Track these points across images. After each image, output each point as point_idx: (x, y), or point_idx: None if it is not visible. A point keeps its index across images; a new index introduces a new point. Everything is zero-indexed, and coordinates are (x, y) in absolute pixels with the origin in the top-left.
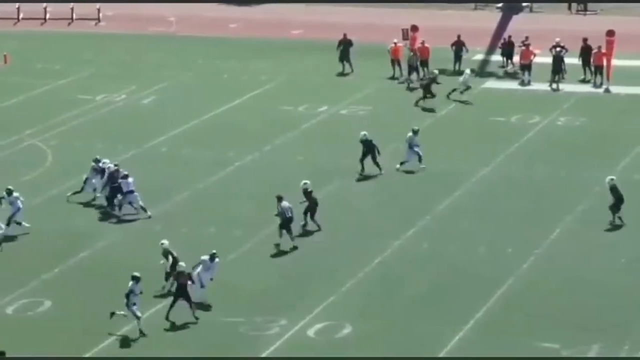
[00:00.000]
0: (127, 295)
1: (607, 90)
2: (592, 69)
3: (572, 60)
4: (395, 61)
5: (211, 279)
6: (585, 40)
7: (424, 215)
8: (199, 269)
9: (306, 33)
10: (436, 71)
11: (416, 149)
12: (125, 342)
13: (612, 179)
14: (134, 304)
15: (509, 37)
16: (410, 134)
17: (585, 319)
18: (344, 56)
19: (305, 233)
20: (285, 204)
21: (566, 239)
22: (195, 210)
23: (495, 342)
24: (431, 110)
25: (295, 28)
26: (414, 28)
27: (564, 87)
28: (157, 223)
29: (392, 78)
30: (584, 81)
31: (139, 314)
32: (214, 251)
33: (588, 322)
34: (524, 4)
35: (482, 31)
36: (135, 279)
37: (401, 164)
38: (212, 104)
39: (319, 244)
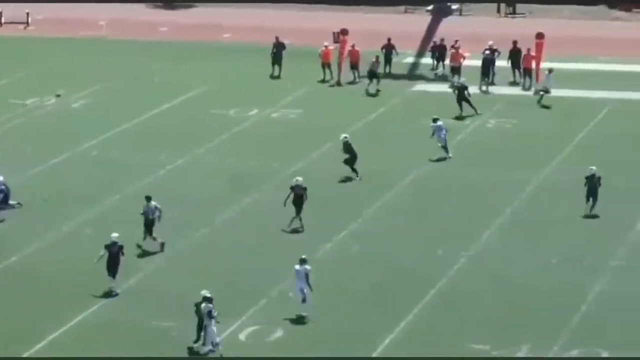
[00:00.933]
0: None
1: (536, 93)
2: (522, 71)
3: (501, 63)
4: (325, 64)
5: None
6: (514, 42)
7: (356, 218)
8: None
9: (237, 36)
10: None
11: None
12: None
13: (591, 169)
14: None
15: (441, 39)
16: (432, 123)
17: (515, 319)
18: (277, 59)
19: (241, 238)
20: (152, 204)
21: (496, 240)
22: (125, 213)
23: (426, 343)
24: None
25: (226, 31)
26: (344, 31)
27: (494, 89)
28: (88, 226)
29: (323, 81)
30: (513, 83)
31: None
32: (304, 256)
33: (518, 322)
34: (454, 7)
35: (413, 34)
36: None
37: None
38: (142, 108)
39: (251, 246)
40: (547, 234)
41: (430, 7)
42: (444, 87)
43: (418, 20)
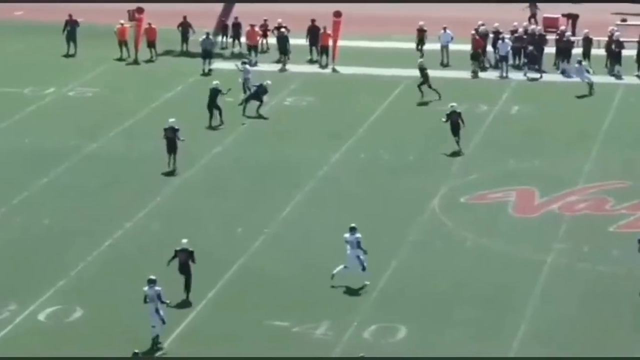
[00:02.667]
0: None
1: (334, 70)
2: (319, 49)
3: (299, 42)
4: (122, 42)
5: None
6: (313, 20)
7: (155, 197)
8: (348, 250)
9: (30, 14)
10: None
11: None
12: None
13: (452, 105)
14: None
15: (236, 18)
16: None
17: (314, 297)
18: (70, 37)
19: (37, 218)
20: None
21: (296, 217)
22: None
23: (227, 321)
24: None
25: (18, 9)
26: (140, 10)
27: (291, 67)
28: None
29: (120, 59)
30: (311, 61)
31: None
32: (353, 225)
33: (317, 300)
34: None
35: (210, 13)
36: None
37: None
38: None
39: (48, 227)
40: (345, 210)
41: None
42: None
43: None
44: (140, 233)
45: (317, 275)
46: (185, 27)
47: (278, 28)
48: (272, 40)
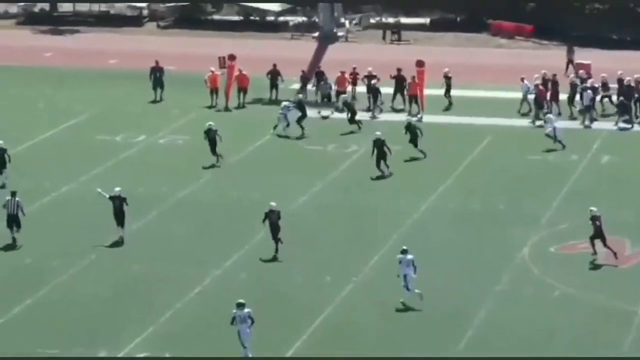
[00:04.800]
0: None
1: (420, 120)
2: (406, 98)
3: (388, 90)
4: (213, 90)
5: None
6: (399, 70)
7: (242, 246)
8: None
9: (123, 62)
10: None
11: None
12: None
13: (591, 210)
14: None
15: (318, 67)
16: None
17: (401, 348)
18: (157, 83)
19: (127, 264)
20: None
21: (384, 267)
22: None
23: None
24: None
25: (112, 57)
26: (232, 57)
27: (381, 116)
28: None
29: (210, 107)
30: (394, 109)
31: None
32: (405, 247)
33: (403, 350)
34: (340, 34)
35: (299, 60)
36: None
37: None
38: (27, 134)
39: (138, 273)
40: (434, 259)
41: (316, 34)
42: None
43: (304, 47)
44: (229, 281)
45: (404, 325)
46: (274, 75)
47: (368, 77)
48: (360, 88)
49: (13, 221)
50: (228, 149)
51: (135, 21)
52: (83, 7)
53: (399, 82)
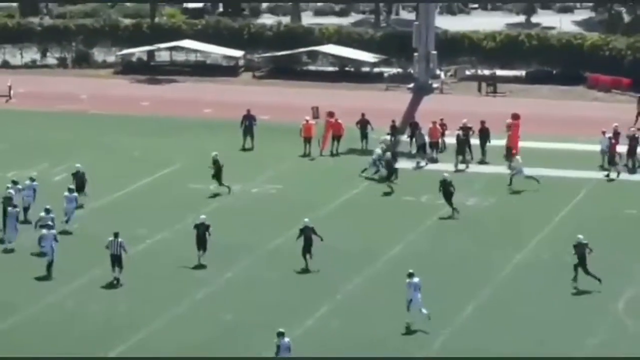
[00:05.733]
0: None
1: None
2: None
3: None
4: (306, 139)
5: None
6: (482, 122)
7: (335, 294)
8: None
9: (218, 112)
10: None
11: None
12: None
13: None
14: None
15: (413, 118)
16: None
17: None
18: (248, 131)
19: (220, 313)
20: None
21: (475, 320)
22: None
23: None
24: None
25: (207, 106)
26: (331, 114)
27: (472, 168)
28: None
29: (303, 156)
30: (482, 162)
31: None
32: (411, 271)
33: None
34: (435, 85)
35: (393, 111)
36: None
37: None
38: (122, 182)
39: (230, 322)
40: (526, 311)
41: (411, 85)
42: (422, 164)
43: (399, 98)
44: (320, 331)
45: None
46: (363, 124)
47: (461, 128)
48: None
49: (115, 261)
50: (324, 197)
51: (231, 71)
52: (179, 57)
53: (484, 134)
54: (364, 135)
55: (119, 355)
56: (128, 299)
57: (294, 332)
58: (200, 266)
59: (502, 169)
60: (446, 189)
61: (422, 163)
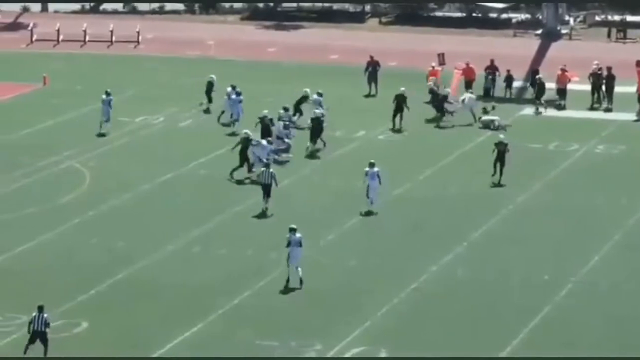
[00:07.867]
0: None
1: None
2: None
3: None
4: None
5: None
6: (609, 68)
7: (461, 241)
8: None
9: (343, 58)
10: (448, 89)
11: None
12: None
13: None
14: None
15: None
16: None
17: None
18: (372, 78)
19: (344, 260)
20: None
21: (604, 268)
22: (231, 233)
23: None
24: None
25: (333, 52)
26: (459, 65)
27: (601, 114)
28: (197, 245)
29: (428, 102)
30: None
31: None
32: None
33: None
34: (563, 31)
35: (521, 58)
36: None
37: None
38: (247, 127)
39: (352, 267)
40: None
41: (539, 31)
42: (550, 112)
43: (527, 44)
44: (446, 277)
45: (624, 330)
46: (492, 71)
47: (593, 74)
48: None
49: (264, 190)
50: (448, 145)
51: (357, 17)
52: (306, 3)
53: (610, 80)
54: (492, 83)
55: (246, 300)
56: (254, 243)
57: (420, 278)
58: (325, 210)
59: (631, 116)
60: (501, 151)
61: (542, 109)
